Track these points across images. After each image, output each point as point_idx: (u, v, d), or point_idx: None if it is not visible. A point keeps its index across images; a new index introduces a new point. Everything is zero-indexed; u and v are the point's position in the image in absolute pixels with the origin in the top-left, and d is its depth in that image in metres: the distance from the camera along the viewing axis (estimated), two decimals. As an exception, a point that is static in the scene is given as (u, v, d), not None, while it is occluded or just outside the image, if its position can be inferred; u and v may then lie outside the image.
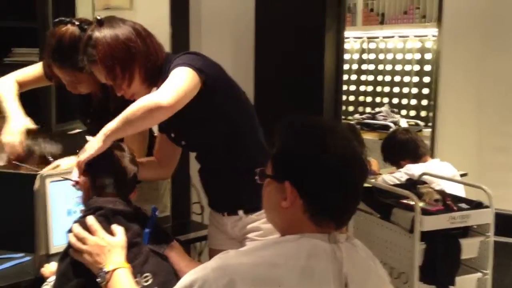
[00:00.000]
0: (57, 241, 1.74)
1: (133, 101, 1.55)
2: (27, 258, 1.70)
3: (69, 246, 1.43)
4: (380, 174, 3.23)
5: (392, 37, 4.84)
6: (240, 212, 1.68)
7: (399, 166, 3.01)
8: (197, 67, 1.54)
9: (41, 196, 1.68)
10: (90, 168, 1.51)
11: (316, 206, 1.12)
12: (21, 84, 2.05)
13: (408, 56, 4.78)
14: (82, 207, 1.78)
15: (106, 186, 1.50)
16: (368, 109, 5.07)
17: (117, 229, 1.42)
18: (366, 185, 2.70)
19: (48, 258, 1.70)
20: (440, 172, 2.83)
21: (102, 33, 1.59)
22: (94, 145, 1.50)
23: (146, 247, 1.47)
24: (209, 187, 1.77)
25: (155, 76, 1.63)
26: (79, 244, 1.40)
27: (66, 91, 1.96)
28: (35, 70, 2.09)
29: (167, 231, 1.58)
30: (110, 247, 1.38)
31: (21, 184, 1.70)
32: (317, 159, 1.11)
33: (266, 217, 1.23)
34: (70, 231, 1.44)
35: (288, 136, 1.18)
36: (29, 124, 1.90)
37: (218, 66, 1.65)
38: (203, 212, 2.25)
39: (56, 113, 3.06)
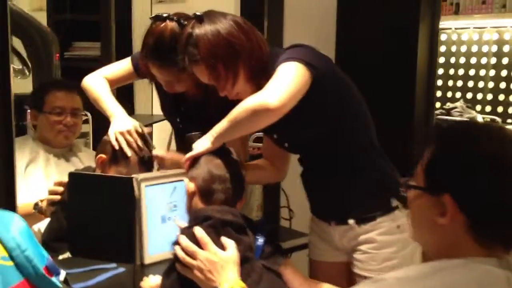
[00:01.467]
0: (152, 250, 1.63)
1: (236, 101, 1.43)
2: (121, 269, 1.59)
3: (176, 260, 1.31)
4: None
5: (467, 28, 4.56)
6: (351, 222, 1.53)
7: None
8: (307, 61, 1.39)
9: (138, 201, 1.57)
10: (197, 172, 1.39)
11: (482, 223, 0.95)
12: (109, 82, 1.95)
13: (485, 49, 4.49)
14: (176, 214, 1.68)
15: (215, 193, 1.37)
16: (438, 104, 4.80)
17: (228, 242, 1.29)
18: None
19: (143, 268, 1.59)
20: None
21: (203, 30, 1.46)
22: (204, 144, 1.38)
23: (258, 263, 1.33)
24: (314, 192, 1.62)
25: (261, 74, 1.49)
26: (188, 259, 1.27)
27: None
28: (124, 67, 1.99)
29: (279, 244, 1.43)
30: (223, 262, 1.25)
31: (113, 188, 1.59)
32: (485, 166, 0.95)
33: (413, 235, 1.07)
34: (176, 243, 1.32)
35: (444, 144, 1.01)
36: (137, 124, 1.80)
37: (327, 59, 1.49)
38: (293, 218, 2.10)
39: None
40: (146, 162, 1.80)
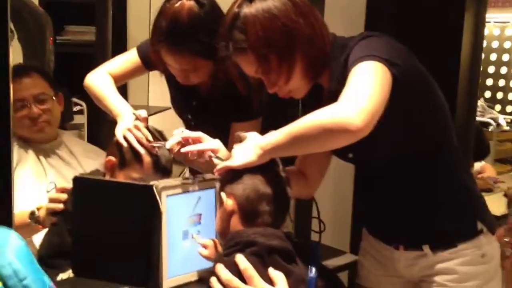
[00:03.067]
0: (172, 273, 1.35)
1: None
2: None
3: None
4: (501, 181, 2.76)
5: (488, 22, 4.32)
6: (426, 248, 1.25)
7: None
8: (386, 58, 1.11)
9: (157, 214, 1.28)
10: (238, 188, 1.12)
11: None
12: (115, 78, 1.70)
13: (507, 45, 4.26)
14: (199, 229, 1.40)
15: (261, 215, 1.10)
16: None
17: (278, 276, 1.02)
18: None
19: (162, 294, 1.31)
20: None
21: (253, 10, 1.18)
22: (246, 157, 1.11)
23: None
24: (379, 212, 1.35)
25: (320, 68, 1.22)
26: None
27: None
28: (130, 59, 1.73)
29: (335, 273, 1.16)
30: None
31: (128, 197, 1.30)
32: None
33: None
34: (212, 274, 1.04)
35: None
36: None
37: (408, 51, 1.21)
38: (324, 230, 1.83)
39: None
40: (162, 165, 1.52)
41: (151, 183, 1.30)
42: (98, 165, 1.89)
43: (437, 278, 1.26)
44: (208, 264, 1.40)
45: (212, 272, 1.05)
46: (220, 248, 1.33)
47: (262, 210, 1.10)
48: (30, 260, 1.00)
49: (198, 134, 1.29)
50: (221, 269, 1.03)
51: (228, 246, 1.09)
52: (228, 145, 1.65)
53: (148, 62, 1.72)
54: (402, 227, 1.30)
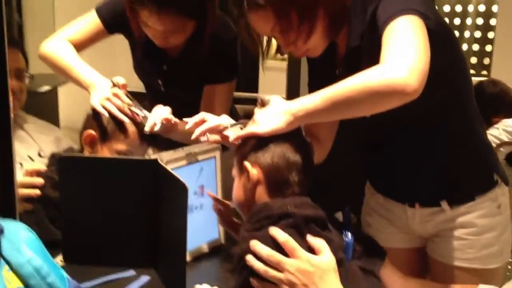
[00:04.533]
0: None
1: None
2: (145, 278, 1.20)
3: (251, 274, 0.95)
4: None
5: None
6: (444, 204, 1.24)
7: (489, 124, 2.62)
8: (422, 11, 1.03)
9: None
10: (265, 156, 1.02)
11: None
12: (75, 45, 1.54)
13: (470, 8, 4.30)
14: (201, 203, 1.31)
15: (291, 186, 1.02)
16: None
17: (321, 244, 0.95)
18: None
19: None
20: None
21: None
22: (274, 123, 1.01)
23: (354, 265, 1.01)
24: (394, 170, 1.30)
25: (341, 25, 1.13)
26: (273, 272, 0.93)
27: None
28: (89, 23, 1.57)
29: (371, 237, 1.11)
30: (321, 272, 0.92)
31: (129, 175, 1.17)
32: None
33: None
34: (245, 252, 0.96)
35: None
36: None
37: (430, 1, 1.15)
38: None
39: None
40: (148, 134, 1.39)
41: (153, 157, 1.19)
42: (53, 141, 1.74)
43: (455, 232, 1.24)
44: (216, 235, 1.33)
45: (245, 249, 0.97)
46: (233, 215, 1.24)
47: (292, 180, 1.02)
48: (46, 254, 0.88)
49: (202, 115, 1.18)
50: (257, 245, 0.95)
51: (257, 219, 1.00)
52: (201, 109, 1.52)
53: (111, 24, 1.57)
54: (420, 184, 1.26)
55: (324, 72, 1.24)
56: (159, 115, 1.33)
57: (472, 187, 1.22)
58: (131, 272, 1.22)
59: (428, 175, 1.23)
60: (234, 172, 1.08)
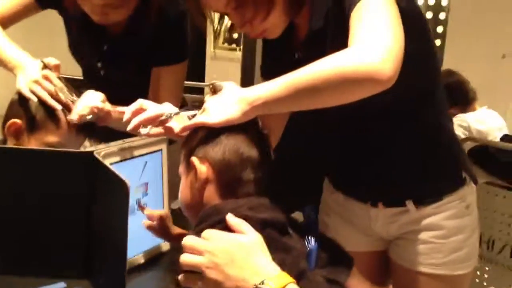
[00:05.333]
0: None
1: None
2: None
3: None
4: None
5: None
6: (409, 204, 1.15)
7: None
8: None
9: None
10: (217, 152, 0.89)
11: None
12: (1, 22, 1.38)
13: (420, 2, 4.28)
14: (145, 202, 1.17)
15: (244, 185, 0.89)
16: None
17: (240, 223, 0.82)
18: (473, 144, 2.21)
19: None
20: (490, 123, 2.45)
21: None
22: (227, 113, 0.88)
23: (317, 275, 0.90)
24: (356, 167, 1.19)
25: (303, 1, 1.01)
26: (191, 257, 0.80)
27: None
28: None
29: (337, 243, 1.00)
30: (247, 250, 0.79)
31: (61, 169, 1.01)
32: None
33: None
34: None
35: None
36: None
37: None
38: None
39: None
40: (85, 124, 1.23)
41: (89, 149, 1.03)
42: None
43: (421, 235, 1.15)
44: (160, 239, 1.18)
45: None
46: (170, 223, 1.11)
47: (246, 178, 0.89)
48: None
49: (139, 102, 1.03)
50: (186, 239, 0.82)
51: (206, 224, 0.86)
52: (149, 95, 1.43)
53: None
54: (384, 182, 1.16)
55: (281, 57, 1.11)
56: (88, 103, 1.18)
57: (440, 185, 1.14)
58: (61, 285, 1.05)
59: (393, 171, 1.13)
60: (181, 169, 0.94)
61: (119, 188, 0.85)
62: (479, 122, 2.45)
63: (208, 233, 0.80)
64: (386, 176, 1.14)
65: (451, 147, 1.16)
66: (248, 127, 0.91)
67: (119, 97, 1.24)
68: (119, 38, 1.43)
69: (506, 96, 3.30)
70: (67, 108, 1.20)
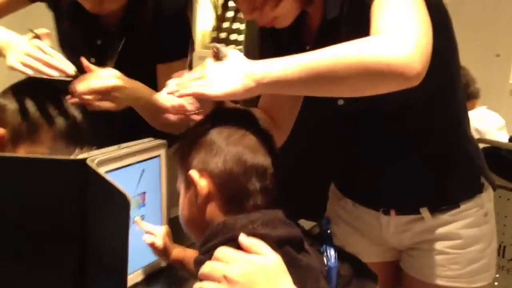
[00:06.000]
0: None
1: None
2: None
3: None
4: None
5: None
6: (424, 211, 1.08)
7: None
8: None
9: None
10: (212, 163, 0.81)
11: None
12: None
13: None
14: (142, 214, 1.09)
15: (251, 196, 0.81)
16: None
17: (257, 244, 0.74)
18: (484, 145, 2.11)
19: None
20: (490, 122, 2.40)
21: None
22: (228, 84, 0.80)
23: None
24: (367, 172, 1.13)
25: None
26: (209, 284, 0.73)
27: None
28: None
29: (358, 258, 0.92)
30: (267, 273, 0.72)
31: (49, 178, 0.92)
32: None
33: None
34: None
35: None
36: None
37: None
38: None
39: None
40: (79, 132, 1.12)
41: (80, 156, 0.94)
42: None
43: (436, 245, 1.09)
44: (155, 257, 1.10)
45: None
46: (170, 241, 1.03)
47: (252, 189, 0.80)
48: None
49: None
50: (204, 267, 0.74)
51: (216, 242, 0.78)
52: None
53: None
54: (397, 188, 1.09)
55: (289, 49, 1.04)
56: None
57: (457, 191, 1.07)
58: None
59: (408, 176, 1.07)
60: (179, 184, 0.85)
61: (119, 202, 0.76)
62: (478, 121, 2.40)
63: (222, 252, 0.73)
64: (400, 181, 1.07)
65: (470, 150, 1.09)
66: (249, 127, 0.83)
67: None
68: (114, 32, 1.34)
69: (499, 95, 3.27)
70: (65, 75, 1.11)
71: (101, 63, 1.39)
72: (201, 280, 0.74)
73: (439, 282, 1.08)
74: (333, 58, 0.78)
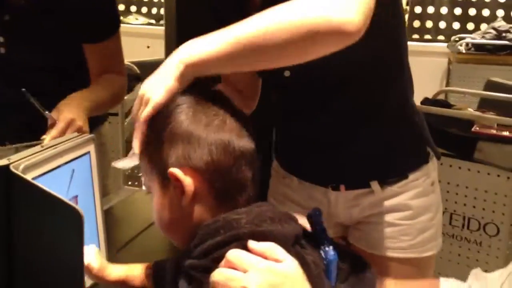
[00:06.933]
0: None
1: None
2: None
3: None
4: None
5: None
6: (374, 184, 1.06)
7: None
8: None
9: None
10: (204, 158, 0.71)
11: None
12: None
13: None
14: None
15: (244, 187, 0.72)
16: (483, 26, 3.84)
17: (272, 248, 0.67)
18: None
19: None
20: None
21: None
22: (161, 83, 0.73)
23: None
24: (314, 148, 1.08)
25: None
26: None
27: None
28: None
29: (351, 250, 0.85)
30: (291, 282, 0.64)
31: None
32: None
33: None
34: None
35: None
36: None
37: None
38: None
39: None
40: None
41: (9, 163, 0.79)
42: None
43: (386, 217, 1.08)
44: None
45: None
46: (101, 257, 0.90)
47: (245, 180, 0.71)
48: None
49: None
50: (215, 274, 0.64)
51: (212, 244, 0.67)
52: (91, 72, 1.28)
53: None
54: (346, 163, 1.06)
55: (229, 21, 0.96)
56: None
57: (406, 162, 1.07)
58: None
59: (358, 149, 1.04)
60: (151, 184, 0.75)
61: (67, 219, 0.65)
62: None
63: (235, 255, 0.64)
64: (350, 156, 1.04)
65: (417, 122, 1.08)
66: (226, 110, 0.73)
67: (26, 83, 1.05)
68: (24, 6, 1.18)
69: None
70: None
71: (8, 42, 1.22)
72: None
73: (390, 254, 1.08)
74: (265, 27, 0.72)
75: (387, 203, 1.07)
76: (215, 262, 0.65)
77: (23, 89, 1.04)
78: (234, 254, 0.64)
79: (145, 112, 0.73)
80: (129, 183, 2.03)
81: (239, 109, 0.76)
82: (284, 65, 0.77)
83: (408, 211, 1.07)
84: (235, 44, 0.72)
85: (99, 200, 1.00)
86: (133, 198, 1.50)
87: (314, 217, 0.76)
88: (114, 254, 1.06)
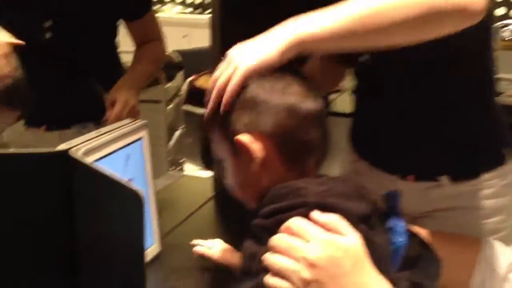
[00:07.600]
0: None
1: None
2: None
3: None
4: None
5: None
6: (444, 179, 1.01)
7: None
8: None
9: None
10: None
11: None
12: None
13: None
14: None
15: (312, 150, 0.71)
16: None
17: (337, 221, 0.64)
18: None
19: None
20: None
21: None
22: (261, 51, 0.70)
23: (403, 279, 0.73)
24: (388, 133, 1.05)
25: None
26: (281, 263, 0.62)
27: None
28: None
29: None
30: (353, 259, 0.62)
31: (25, 175, 0.77)
32: None
33: None
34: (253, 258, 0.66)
35: None
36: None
37: None
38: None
39: None
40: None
41: (60, 147, 0.80)
42: None
43: (454, 215, 1.02)
44: (151, 241, 0.98)
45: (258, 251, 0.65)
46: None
47: (313, 141, 0.70)
48: None
49: None
50: (274, 239, 0.63)
51: (277, 207, 0.66)
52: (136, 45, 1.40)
53: None
54: (418, 152, 1.02)
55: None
56: None
57: (480, 161, 1.02)
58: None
59: (428, 142, 1.00)
60: (221, 152, 0.74)
61: (128, 202, 0.64)
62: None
63: (297, 224, 0.62)
64: (420, 145, 1.01)
65: (496, 120, 1.04)
66: (290, 75, 0.72)
67: (70, 65, 1.20)
68: (65, 9, 1.26)
69: None
70: None
71: (57, 25, 1.25)
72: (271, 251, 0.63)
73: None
74: (385, 5, 0.71)
75: (456, 200, 1.02)
76: (278, 224, 0.64)
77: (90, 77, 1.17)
78: (297, 223, 0.63)
79: (233, 82, 0.70)
80: (173, 167, 2.05)
81: (303, 73, 0.75)
82: (395, 44, 0.75)
83: (478, 211, 1.02)
84: (352, 20, 0.71)
85: (151, 185, 1.00)
86: (178, 184, 1.50)
87: (391, 198, 0.74)
88: (162, 238, 1.07)
